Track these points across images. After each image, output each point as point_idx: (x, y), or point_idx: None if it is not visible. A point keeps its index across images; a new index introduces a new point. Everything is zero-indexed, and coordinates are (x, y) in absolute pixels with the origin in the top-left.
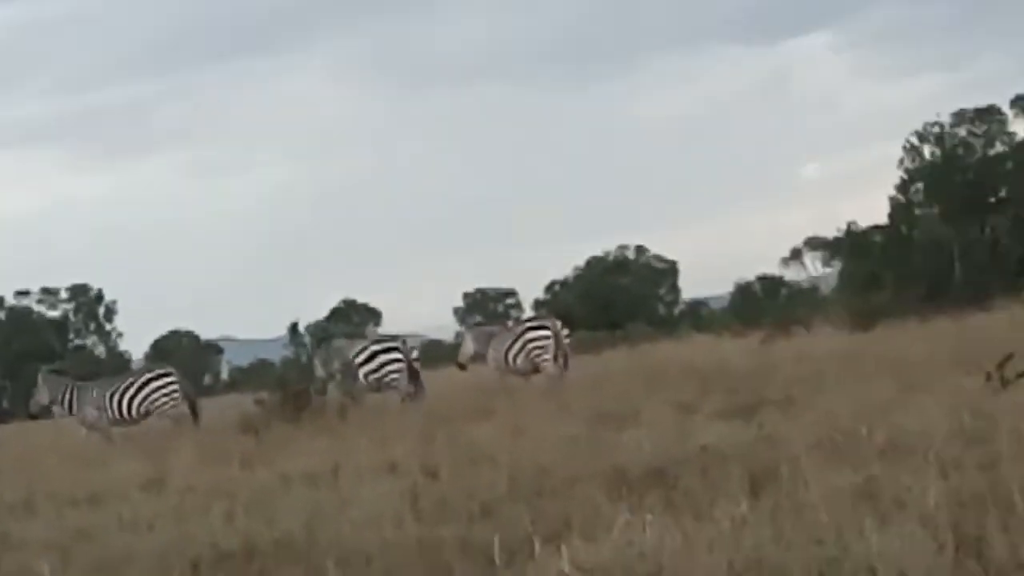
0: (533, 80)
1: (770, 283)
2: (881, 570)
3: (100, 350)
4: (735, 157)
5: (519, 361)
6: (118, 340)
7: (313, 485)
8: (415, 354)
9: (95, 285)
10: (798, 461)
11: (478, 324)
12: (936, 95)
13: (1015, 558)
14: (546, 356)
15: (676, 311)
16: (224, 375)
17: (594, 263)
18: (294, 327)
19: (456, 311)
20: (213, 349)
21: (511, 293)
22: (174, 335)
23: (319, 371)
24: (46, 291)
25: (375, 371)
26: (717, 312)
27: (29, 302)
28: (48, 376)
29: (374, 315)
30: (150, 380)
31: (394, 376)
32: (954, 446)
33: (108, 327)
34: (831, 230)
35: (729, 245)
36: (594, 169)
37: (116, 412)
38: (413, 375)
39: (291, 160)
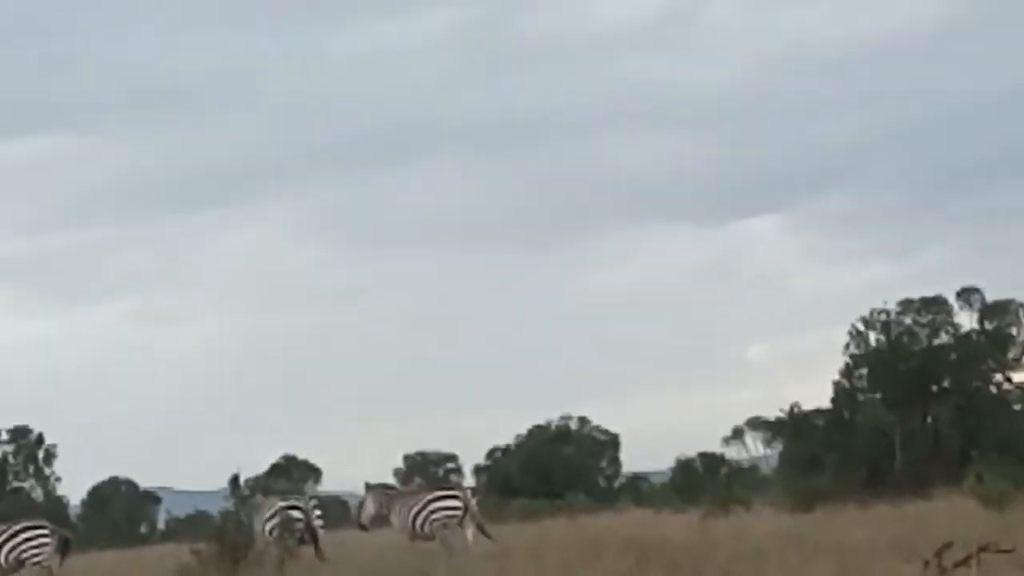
0: (483, 248)
1: (711, 460)
2: None
3: (38, 493)
4: (682, 334)
5: (425, 528)
6: (56, 484)
7: None
8: (317, 513)
9: (36, 428)
10: None
11: (378, 486)
12: (884, 283)
13: None
14: (452, 526)
15: (616, 484)
16: (161, 525)
17: (536, 432)
18: (235, 479)
19: (396, 472)
20: (151, 498)
21: (452, 457)
22: (112, 482)
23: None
24: None
25: (431, 514)
26: (657, 487)
27: None
28: None
29: (314, 472)
30: (19, 532)
31: (298, 531)
32: None
33: (47, 471)
34: (774, 411)
35: (672, 420)
36: (541, 338)
37: None
38: (311, 533)
39: (239, 312)
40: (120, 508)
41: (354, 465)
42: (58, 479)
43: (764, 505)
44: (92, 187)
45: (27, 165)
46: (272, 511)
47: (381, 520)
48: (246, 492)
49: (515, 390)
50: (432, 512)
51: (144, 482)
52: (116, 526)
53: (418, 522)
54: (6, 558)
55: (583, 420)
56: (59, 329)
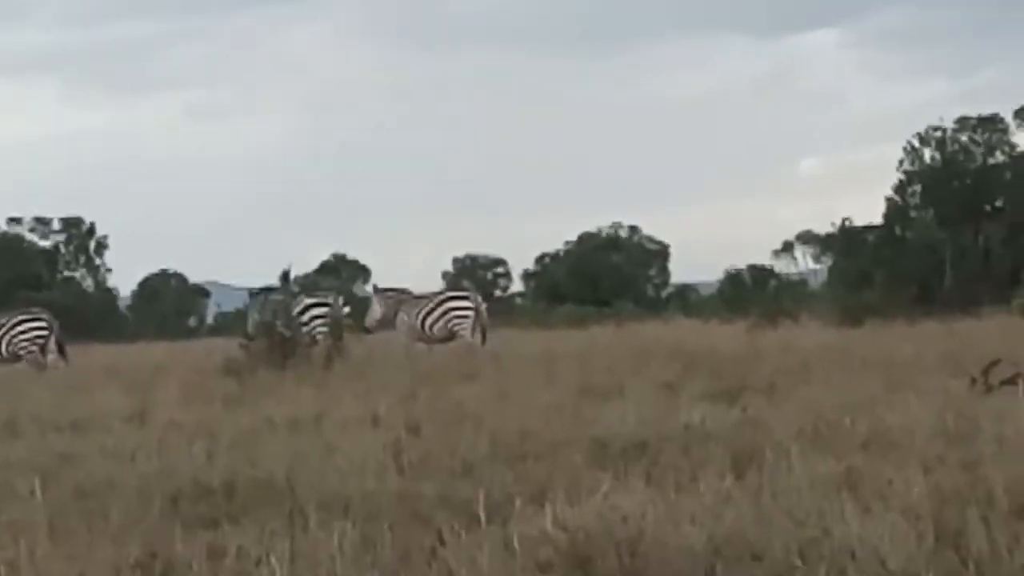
0: (539, 52)
1: (760, 273)
2: (860, 554)
3: (88, 283)
4: (736, 145)
5: (436, 328)
6: (107, 275)
7: (296, 431)
8: (346, 310)
9: (88, 219)
10: (782, 446)
11: (386, 290)
12: (941, 99)
13: (994, 551)
14: (464, 326)
15: (664, 293)
16: (210, 319)
17: (586, 239)
18: (285, 276)
19: (444, 275)
20: (201, 292)
21: (501, 262)
22: (162, 275)
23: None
24: (39, 220)
25: (305, 324)
26: (705, 297)
27: (21, 230)
28: None
29: (363, 271)
30: (16, 324)
31: (320, 330)
32: (937, 444)
33: (98, 261)
34: (826, 226)
35: (722, 233)
36: (595, 145)
37: None
38: (337, 331)
39: (293, 111)
40: (169, 301)
41: (404, 266)
42: (108, 270)
43: (812, 319)
44: None
45: None
46: (300, 307)
47: (386, 324)
48: (296, 289)
49: (566, 196)
50: (444, 313)
51: (194, 276)
52: (165, 318)
53: (427, 321)
54: (6, 349)
55: (633, 228)
56: (112, 121)
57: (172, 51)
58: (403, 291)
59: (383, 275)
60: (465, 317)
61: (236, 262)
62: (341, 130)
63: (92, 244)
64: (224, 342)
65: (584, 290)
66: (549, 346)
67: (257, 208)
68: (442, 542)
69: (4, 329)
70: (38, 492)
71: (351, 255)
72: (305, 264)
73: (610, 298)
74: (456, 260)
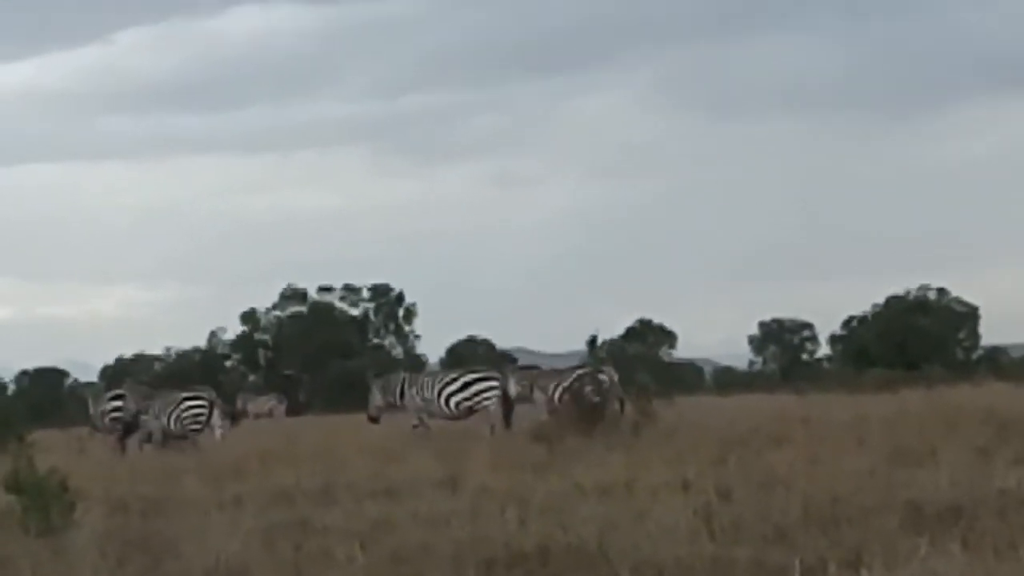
0: (836, 114)
1: None
2: None
3: (398, 351)
4: None
5: (564, 400)
6: (416, 342)
7: (606, 496)
8: (512, 384)
9: (396, 286)
10: None
11: (522, 367)
12: None
13: None
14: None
15: (974, 356)
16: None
17: (893, 302)
18: (592, 341)
19: (751, 339)
20: (507, 358)
21: (807, 326)
22: (470, 342)
23: (375, 400)
24: (349, 288)
25: (468, 398)
26: (1017, 360)
27: (332, 298)
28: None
29: (668, 337)
30: (182, 401)
31: (488, 402)
32: None
33: (407, 328)
34: None
35: None
36: (900, 206)
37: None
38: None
39: (595, 177)
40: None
41: (709, 331)
42: (417, 337)
43: None
44: (446, 49)
45: (386, 26)
46: (460, 383)
47: (523, 400)
48: (603, 354)
49: (872, 258)
50: (576, 387)
51: (501, 343)
52: None
53: (557, 396)
54: (172, 424)
55: (941, 291)
56: (413, 191)
57: (474, 119)
58: (537, 367)
59: (687, 340)
60: (596, 391)
61: (542, 328)
62: (640, 195)
63: (401, 311)
64: (530, 408)
65: (892, 353)
66: (858, 410)
67: (561, 273)
68: None
69: (173, 407)
70: (359, 557)
71: (656, 320)
72: (611, 330)
73: (918, 361)
74: (762, 324)
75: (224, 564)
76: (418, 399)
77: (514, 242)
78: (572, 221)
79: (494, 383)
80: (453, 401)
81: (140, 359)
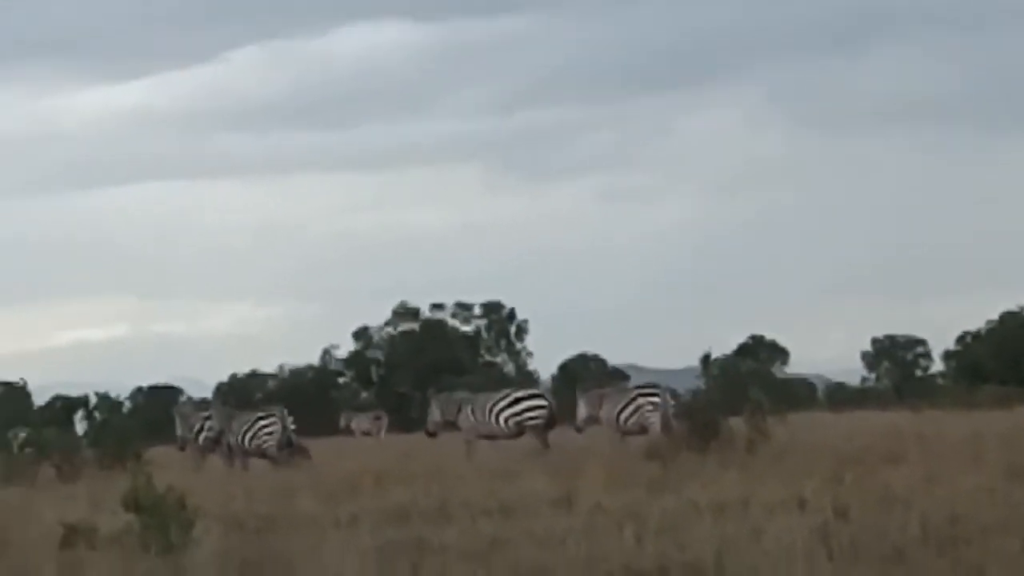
0: (955, 129)
1: None
2: None
3: (509, 368)
4: None
5: (630, 422)
6: (527, 359)
7: (722, 514)
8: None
9: (508, 303)
10: None
11: (589, 389)
12: None
13: None
14: (653, 420)
15: None
16: None
17: (1008, 318)
18: (706, 358)
19: (864, 355)
20: (620, 375)
21: (920, 342)
22: (581, 358)
23: (434, 416)
24: (460, 306)
25: (517, 415)
26: None
27: (443, 315)
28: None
29: (781, 353)
30: (257, 420)
31: (536, 420)
32: None
33: (518, 346)
34: None
35: None
36: (1013, 222)
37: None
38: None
39: (707, 193)
40: (590, 383)
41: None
42: (529, 354)
43: None
44: (558, 66)
45: (496, 44)
46: (509, 400)
47: (592, 422)
48: (715, 371)
49: (986, 274)
50: (637, 408)
51: (612, 359)
52: None
53: (623, 416)
54: (248, 444)
55: None
56: (529, 206)
57: (585, 136)
58: (603, 389)
59: (800, 356)
60: (653, 411)
61: (654, 344)
62: (753, 211)
63: (512, 328)
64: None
65: (1006, 369)
66: (973, 427)
67: (673, 290)
68: None
69: (248, 426)
70: None
71: (769, 336)
72: (723, 346)
73: None
74: (875, 340)
75: None
76: (472, 418)
77: (626, 258)
78: (684, 238)
79: (542, 402)
80: (503, 417)
81: (254, 376)
